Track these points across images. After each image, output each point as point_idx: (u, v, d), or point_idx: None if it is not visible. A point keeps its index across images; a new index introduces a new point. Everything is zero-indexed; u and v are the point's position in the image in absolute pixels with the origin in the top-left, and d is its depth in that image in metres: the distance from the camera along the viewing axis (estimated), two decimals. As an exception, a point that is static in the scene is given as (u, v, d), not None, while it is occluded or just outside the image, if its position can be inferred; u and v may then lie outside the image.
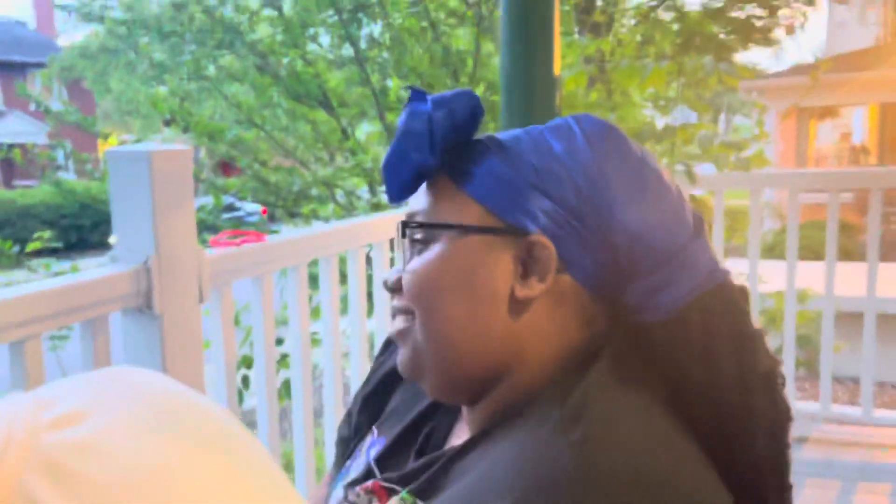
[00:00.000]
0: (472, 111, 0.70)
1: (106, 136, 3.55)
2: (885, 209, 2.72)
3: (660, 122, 3.92)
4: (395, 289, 0.72)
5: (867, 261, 2.67)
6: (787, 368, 2.77)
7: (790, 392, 2.77)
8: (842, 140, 20.59)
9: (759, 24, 6.74)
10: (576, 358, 0.66)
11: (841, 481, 2.42)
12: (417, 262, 0.70)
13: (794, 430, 2.85)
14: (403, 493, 0.69)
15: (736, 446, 0.64)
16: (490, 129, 3.54)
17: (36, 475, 0.26)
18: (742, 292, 0.66)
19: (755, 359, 0.64)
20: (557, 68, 1.78)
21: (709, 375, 0.64)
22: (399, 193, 0.71)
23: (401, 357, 0.73)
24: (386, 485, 0.73)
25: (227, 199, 3.71)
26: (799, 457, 2.61)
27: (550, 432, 0.60)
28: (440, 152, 0.69)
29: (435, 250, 0.69)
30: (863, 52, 11.72)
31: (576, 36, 4.16)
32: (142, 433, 0.29)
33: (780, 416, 0.64)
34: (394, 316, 0.73)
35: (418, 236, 0.70)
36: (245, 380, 3.01)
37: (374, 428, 0.83)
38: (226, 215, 4.26)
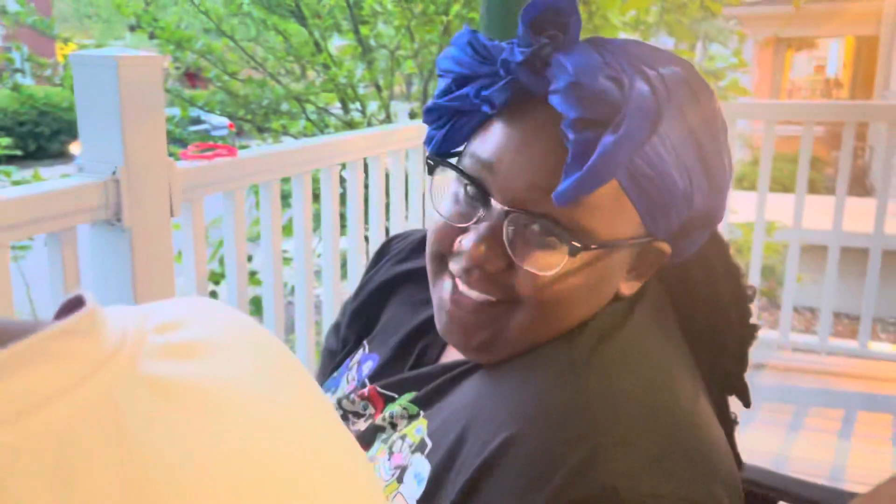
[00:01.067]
0: None
1: (66, 41, 3.39)
2: (854, 144, 2.74)
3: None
4: (491, 277, 0.62)
5: (836, 194, 2.70)
6: (751, 297, 2.84)
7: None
8: (816, 72, 20.59)
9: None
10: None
11: (795, 406, 2.52)
12: (553, 270, 0.59)
13: (754, 357, 2.95)
14: (406, 402, 0.69)
15: (725, 351, 0.72)
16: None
17: (151, 364, 0.29)
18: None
19: (743, 285, 0.72)
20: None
21: (711, 303, 0.71)
22: (577, 198, 0.57)
23: (471, 337, 0.64)
24: (382, 391, 0.72)
25: (193, 113, 3.60)
26: (757, 382, 2.70)
27: (568, 359, 0.61)
28: None
29: (580, 260, 0.60)
30: (843, -17, 11.59)
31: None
32: (233, 343, 0.33)
33: (751, 335, 0.74)
34: (462, 283, 0.63)
35: (555, 231, 0.59)
36: (213, 295, 3.00)
37: (364, 343, 0.82)
38: (192, 128, 4.15)
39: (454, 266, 0.64)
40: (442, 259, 0.65)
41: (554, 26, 0.57)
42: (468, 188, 0.62)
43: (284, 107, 3.40)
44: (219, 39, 3.56)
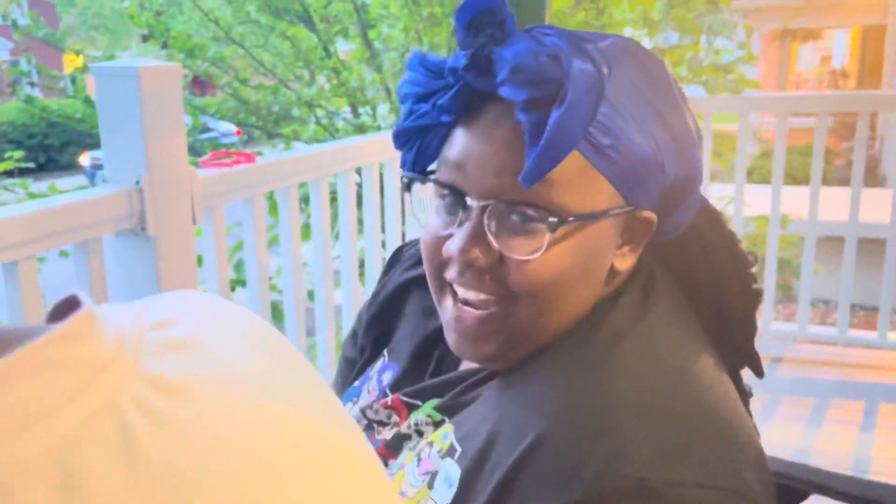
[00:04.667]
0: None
1: (77, 52, 3.41)
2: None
3: (647, 44, 3.85)
4: (483, 273, 0.63)
5: (850, 185, 2.69)
6: (768, 292, 2.83)
7: (769, 315, 2.84)
8: (822, 63, 20.49)
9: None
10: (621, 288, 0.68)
11: (816, 398, 2.51)
12: (539, 252, 0.60)
13: (772, 350, 2.93)
14: (430, 410, 0.69)
15: (729, 319, 0.72)
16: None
17: (152, 362, 0.29)
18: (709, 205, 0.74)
19: (741, 251, 0.73)
20: (547, -14, 1.72)
21: (712, 274, 0.72)
22: (541, 176, 0.58)
23: (481, 349, 0.65)
24: (406, 399, 0.73)
25: (200, 119, 3.62)
26: (776, 375, 2.69)
27: (588, 358, 0.62)
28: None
29: (563, 238, 0.61)
30: (848, -27, 11.54)
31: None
32: (230, 335, 0.33)
33: (756, 299, 0.74)
34: (459, 287, 0.64)
35: (532, 214, 0.60)
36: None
37: (384, 352, 0.83)
38: (200, 136, 4.17)
39: (450, 274, 0.65)
40: (439, 274, 0.66)
41: (490, 25, 0.59)
42: (446, 197, 0.64)
43: (295, 112, 3.42)
44: (228, 47, 3.58)
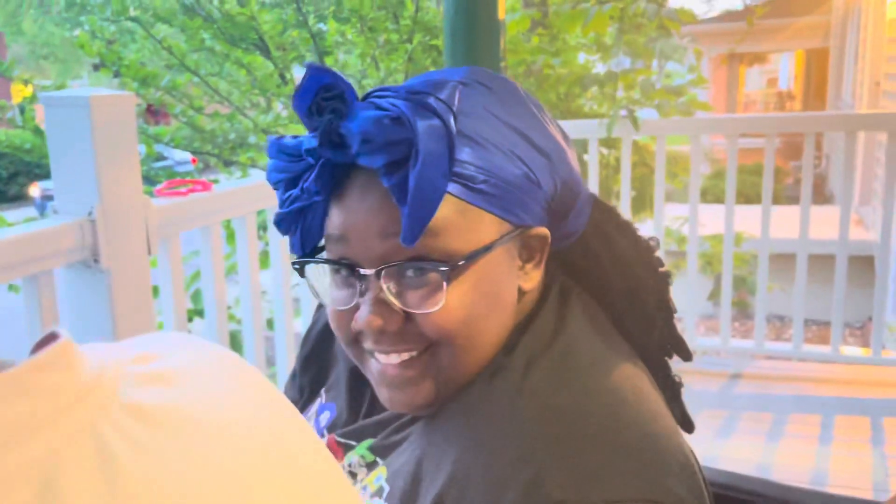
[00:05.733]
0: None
1: (26, 82, 3.35)
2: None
3: (600, 68, 3.93)
4: (398, 334, 0.63)
5: (800, 204, 2.76)
6: (724, 308, 2.88)
7: (726, 332, 2.88)
8: (769, 85, 21.12)
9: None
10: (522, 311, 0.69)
11: (774, 413, 2.55)
12: (441, 301, 0.61)
13: (730, 367, 2.97)
14: (364, 451, 0.70)
15: (645, 307, 0.74)
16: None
17: (132, 391, 0.29)
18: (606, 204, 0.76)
19: (641, 238, 0.75)
20: (502, 12, 1.75)
21: (617, 267, 0.73)
22: (420, 232, 0.59)
23: (412, 397, 0.65)
24: (341, 440, 0.73)
25: (155, 148, 3.57)
26: (735, 392, 2.73)
27: (503, 388, 0.62)
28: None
29: (463, 280, 0.62)
30: (790, -1, 11.96)
31: (516, -21, 4.10)
32: (209, 369, 0.33)
33: (665, 282, 0.75)
34: (380, 353, 0.65)
35: (425, 267, 0.61)
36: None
37: (322, 392, 0.82)
38: (154, 165, 4.10)
39: (366, 344, 0.66)
40: (356, 342, 0.67)
41: (330, 100, 0.60)
42: (340, 271, 0.65)
43: (252, 139, 3.39)
44: (182, 75, 3.54)
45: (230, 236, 2.40)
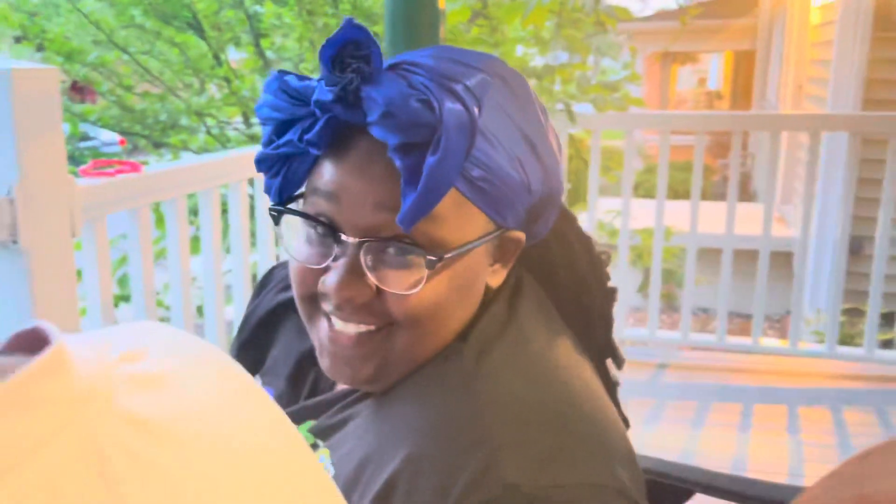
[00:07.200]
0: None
1: (-60, 52, 3.16)
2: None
3: (538, 61, 3.96)
4: (363, 307, 0.62)
5: (726, 200, 2.85)
6: (653, 301, 2.95)
7: (654, 323, 2.96)
8: (699, 85, 21.73)
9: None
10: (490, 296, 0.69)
11: (698, 402, 2.63)
12: (418, 286, 0.60)
13: (657, 357, 3.06)
14: (304, 433, 0.69)
15: (589, 316, 0.77)
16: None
17: (126, 399, 0.28)
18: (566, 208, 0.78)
19: (597, 252, 0.78)
20: (442, 1, 1.74)
21: (571, 274, 0.76)
22: (420, 218, 0.58)
23: (357, 371, 0.64)
24: None
25: (80, 128, 3.44)
26: (661, 381, 2.81)
27: (457, 372, 0.63)
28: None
29: (442, 270, 0.61)
30: (722, 1, 12.31)
31: (457, -32, 4.09)
32: (196, 370, 0.32)
33: (611, 297, 0.79)
34: (337, 319, 0.64)
35: (410, 249, 0.60)
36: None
37: (258, 377, 0.81)
38: (80, 144, 3.95)
39: (325, 305, 0.64)
40: (312, 300, 0.65)
41: (356, 59, 0.58)
42: (317, 228, 0.63)
43: (184, 121, 3.30)
44: (111, 52, 3.42)
45: (160, 220, 2.33)
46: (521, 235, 0.67)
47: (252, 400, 0.33)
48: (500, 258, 0.68)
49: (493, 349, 0.63)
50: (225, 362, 0.34)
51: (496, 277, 0.68)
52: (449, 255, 0.60)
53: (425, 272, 0.60)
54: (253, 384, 0.34)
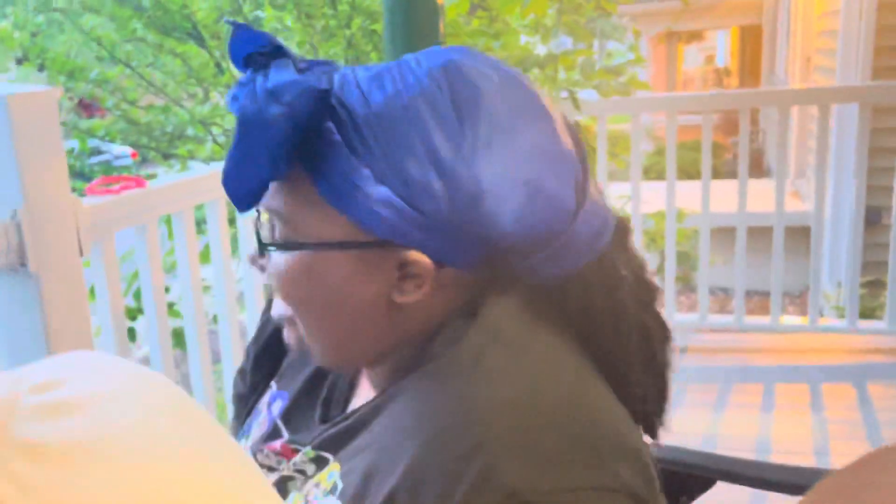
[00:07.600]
0: (318, 108, 0.60)
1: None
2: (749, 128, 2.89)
3: (540, 50, 3.94)
4: (262, 270, 0.69)
5: (738, 178, 2.83)
6: (668, 284, 2.93)
7: (671, 307, 2.94)
8: (707, 63, 21.54)
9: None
10: (466, 308, 0.65)
11: (718, 384, 2.61)
12: (280, 266, 0.65)
13: (676, 341, 3.06)
14: (307, 451, 0.69)
15: (631, 366, 0.68)
16: (373, 59, 3.45)
17: (25, 427, 0.28)
18: (625, 225, 0.70)
19: (651, 290, 0.70)
20: (440, -4, 1.73)
21: (615, 319, 0.67)
22: (248, 204, 0.63)
23: (288, 336, 0.70)
24: (293, 446, 0.72)
25: (91, 143, 3.46)
26: (681, 365, 2.79)
27: (448, 376, 0.61)
28: (286, 158, 0.61)
29: (298, 261, 0.64)
30: (725, -23, 12.18)
31: (454, -39, 4.07)
32: (120, 394, 0.32)
33: (667, 335, 0.71)
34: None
35: (274, 222, 0.65)
36: (130, 332, 2.88)
37: (272, 382, 0.81)
38: (92, 160, 3.98)
39: None
40: None
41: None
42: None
43: (190, 131, 3.31)
44: (113, 67, 3.43)
45: (171, 231, 2.34)
46: (421, 258, 0.62)
47: (180, 418, 0.32)
48: (408, 277, 0.63)
49: (488, 355, 0.62)
50: (158, 384, 0.34)
51: (410, 296, 0.64)
52: (300, 242, 0.63)
53: (280, 258, 0.65)
54: (188, 405, 0.34)
